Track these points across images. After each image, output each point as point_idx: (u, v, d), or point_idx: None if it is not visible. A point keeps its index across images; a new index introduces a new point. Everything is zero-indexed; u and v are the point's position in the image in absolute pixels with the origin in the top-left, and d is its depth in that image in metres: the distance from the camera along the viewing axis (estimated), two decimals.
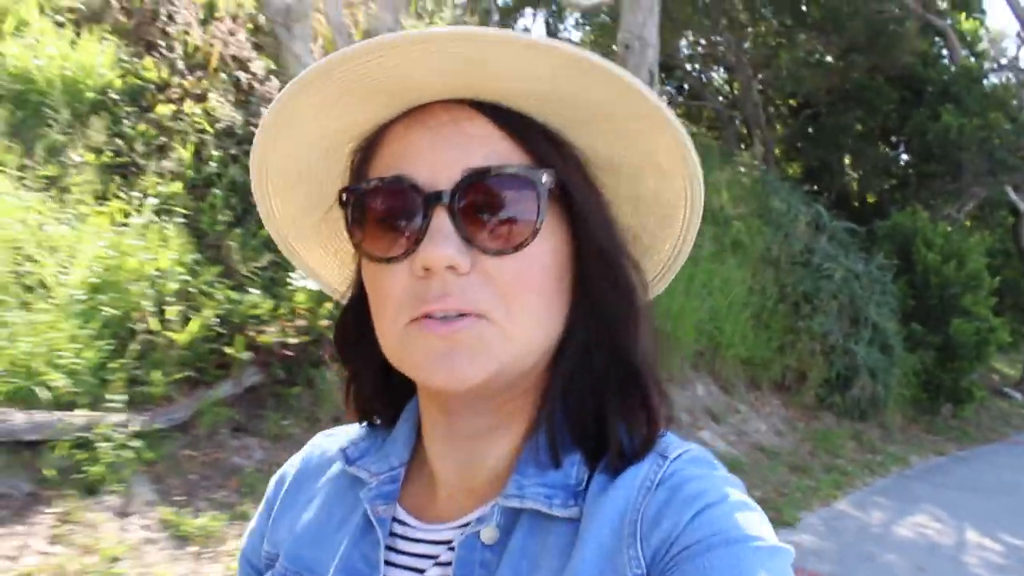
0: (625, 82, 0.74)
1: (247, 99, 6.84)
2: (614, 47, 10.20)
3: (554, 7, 14.13)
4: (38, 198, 5.07)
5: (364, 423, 0.98)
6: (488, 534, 0.79)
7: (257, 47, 7.56)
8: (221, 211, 5.63)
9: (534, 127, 0.80)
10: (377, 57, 0.74)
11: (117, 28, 6.82)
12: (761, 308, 10.84)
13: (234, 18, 7.79)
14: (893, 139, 18.12)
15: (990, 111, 15.99)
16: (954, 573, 6.52)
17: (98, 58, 6.19)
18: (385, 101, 0.80)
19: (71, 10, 6.70)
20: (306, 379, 5.39)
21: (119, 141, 5.86)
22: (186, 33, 7.04)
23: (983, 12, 19.39)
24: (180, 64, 6.79)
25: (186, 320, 4.89)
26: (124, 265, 4.85)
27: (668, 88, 17.53)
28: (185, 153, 5.91)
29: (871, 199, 18.11)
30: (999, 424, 15.44)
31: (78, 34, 6.32)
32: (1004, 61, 20.01)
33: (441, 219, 0.75)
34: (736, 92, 18.09)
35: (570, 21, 15.83)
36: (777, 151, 17.47)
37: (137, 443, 4.26)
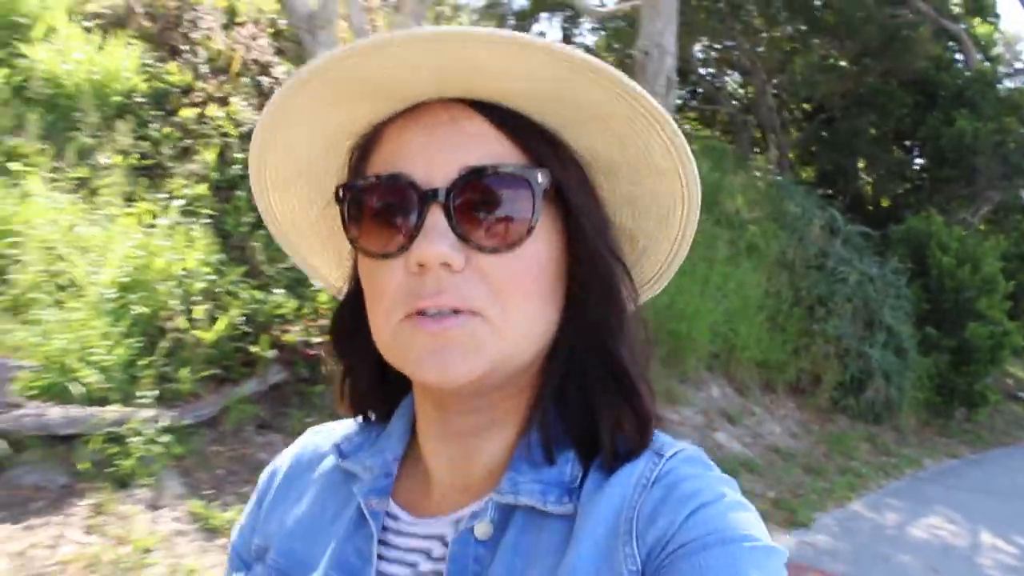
0: (619, 81, 0.75)
1: None
2: (630, 52, 10.28)
3: (570, 12, 14.20)
4: (69, 199, 5.18)
5: (358, 418, 0.99)
6: (482, 529, 0.79)
7: (279, 51, 7.68)
8: (245, 212, 5.73)
9: (532, 127, 0.81)
10: (370, 57, 0.74)
11: (142, 33, 6.95)
12: (776, 311, 10.86)
13: (255, 23, 7.91)
14: (907, 143, 18.13)
15: (1004, 115, 15.98)
16: (968, 574, 6.56)
17: (124, 62, 6.31)
18: (383, 100, 0.81)
19: (97, 16, 6.83)
20: (329, 377, 5.48)
21: (145, 144, 5.97)
22: (208, 38, 7.15)
23: (997, 16, 19.37)
24: (203, 68, 6.90)
25: (213, 319, 4.99)
26: (152, 265, 4.96)
27: (683, 93, 17.56)
28: (209, 156, 6.02)
29: (885, 203, 18.10)
30: (1013, 428, 15.41)
31: (105, 39, 6.44)
32: (1019, 65, 20.02)
33: (436, 216, 0.76)
34: (750, 96, 18.13)
35: (586, 26, 15.91)
36: (791, 155, 17.51)
37: (166, 438, 4.36)
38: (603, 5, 15.30)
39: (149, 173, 5.83)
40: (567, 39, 16.67)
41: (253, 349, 5.12)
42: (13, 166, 5.09)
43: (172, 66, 6.73)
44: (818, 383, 11.22)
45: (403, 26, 7.65)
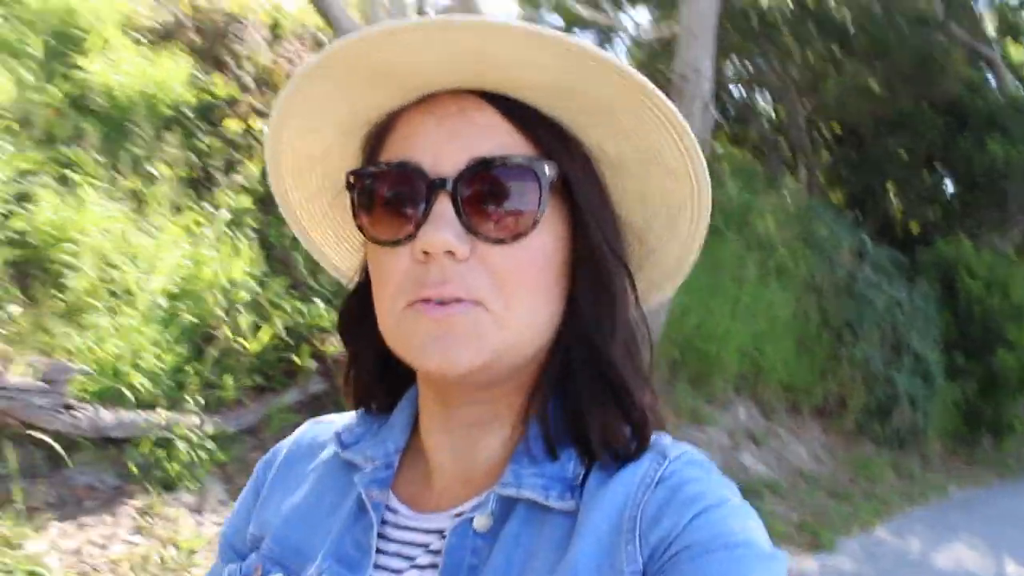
0: (629, 77, 0.76)
1: None
2: (662, 70, 10.37)
3: (604, 31, 14.35)
4: (121, 208, 5.34)
5: (360, 409, 0.98)
6: (481, 522, 0.79)
7: None
8: (288, 225, 5.86)
9: (542, 120, 0.81)
10: (383, 44, 0.76)
11: (190, 47, 7.12)
12: (804, 333, 10.90)
13: (299, 38, 8.10)
14: (938, 167, 18.08)
15: None
16: None
17: (173, 75, 6.48)
18: (397, 88, 0.81)
19: (148, 30, 7.01)
20: None
21: (192, 156, 6.14)
22: (254, 53, 7.33)
23: None
24: (249, 82, 7.07)
25: (256, 329, 5.13)
26: (200, 275, 5.11)
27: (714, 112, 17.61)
28: (254, 168, 6.18)
29: (915, 227, 18.05)
30: None
31: (155, 52, 6.61)
32: None
33: (443, 205, 0.76)
34: (781, 117, 18.17)
35: (620, 45, 16.05)
36: (821, 177, 17.51)
37: (211, 444, 4.50)
38: (638, 27, 15.47)
39: (196, 184, 5.99)
40: None
41: (294, 359, 5.26)
42: (70, 175, 5.25)
43: (219, 79, 6.90)
44: (844, 407, 11.23)
45: None
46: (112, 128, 5.90)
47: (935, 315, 13.01)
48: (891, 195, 18.17)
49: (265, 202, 6.07)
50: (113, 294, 4.80)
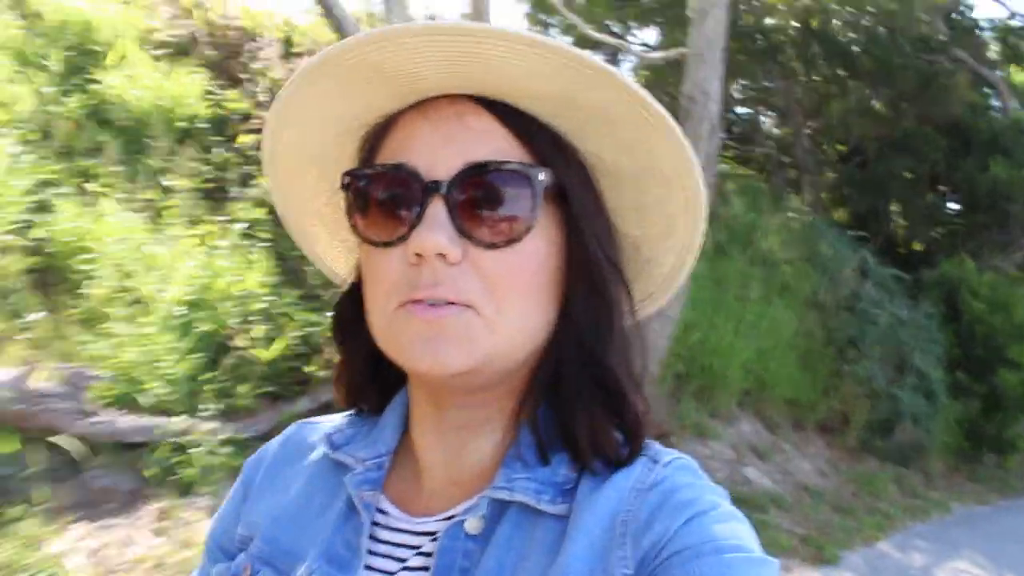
0: (626, 87, 0.76)
1: None
2: (670, 91, 10.49)
3: (611, 51, 14.48)
4: (137, 219, 5.44)
5: (351, 410, 0.99)
6: (473, 524, 0.79)
7: None
8: None
9: (539, 128, 0.81)
10: (383, 46, 0.76)
11: (205, 62, 7.25)
12: (807, 350, 10.96)
13: (311, 53, 8.22)
14: (941, 188, 18.17)
15: None
16: None
17: (188, 90, 6.60)
18: (394, 91, 0.81)
19: (164, 44, 7.14)
20: None
21: (207, 168, 6.24)
22: (267, 68, 7.45)
23: None
24: (262, 96, 7.19)
25: (270, 339, 5.22)
26: (215, 285, 5.21)
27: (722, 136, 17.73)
28: (267, 181, 6.26)
29: (918, 247, 18.13)
30: None
31: (171, 67, 6.73)
32: None
33: (437, 208, 0.76)
34: (786, 137, 18.29)
35: (626, 65, 16.18)
36: (824, 196, 17.61)
37: (227, 450, 4.58)
38: (646, 48, 15.60)
39: (211, 196, 6.10)
40: None
41: (306, 369, 5.34)
42: (89, 186, 5.36)
43: (233, 94, 7.02)
44: (847, 423, 11.27)
45: None
46: (129, 140, 6.02)
47: (938, 334, 13.05)
48: (894, 215, 18.25)
49: (278, 214, 6.17)
50: (130, 303, 4.90)
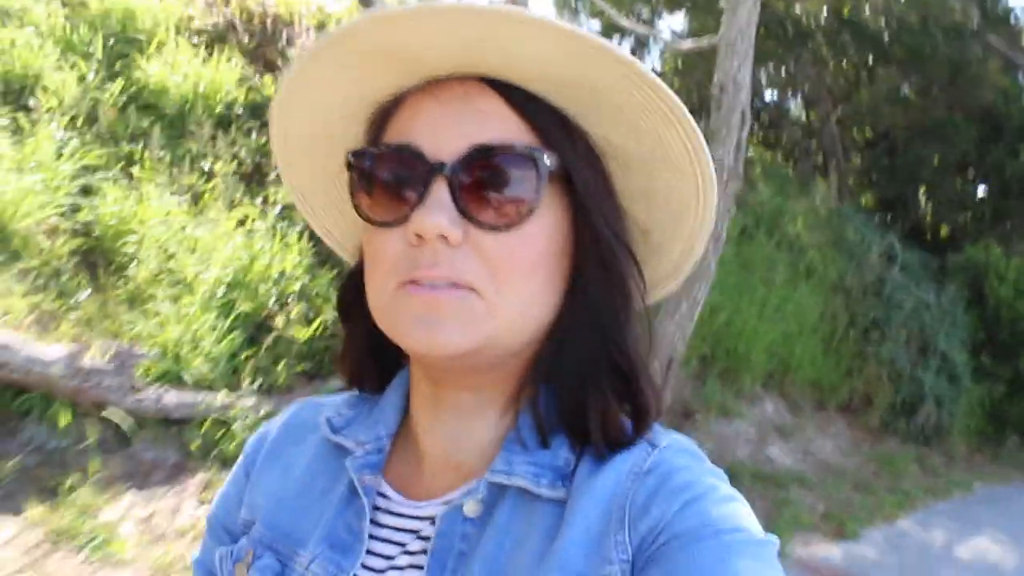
0: (636, 70, 0.75)
1: None
2: (700, 80, 10.48)
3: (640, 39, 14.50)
4: (178, 203, 5.64)
5: (350, 391, 0.99)
6: (471, 508, 0.79)
7: None
8: None
9: (547, 110, 0.80)
10: (391, 26, 0.75)
11: (241, 48, 7.42)
12: (831, 333, 11.01)
13: None
14: (970, 174, 18.09)
15: None
16: None
17: (225, 76, 6.77)
18: (403, 71, 0.81)
19: (202, 32, 7.31)
20: None
21: (244, 153, 6.42)
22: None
23: None
24: None
25: (306, 319, 5.41)
26: (253, 266, 5.40)
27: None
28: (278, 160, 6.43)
29: (944, 232, 18.07)
30: None
31: (210, 54, 6.91)
32: None
33: (440, 189, 0.75)
34: (813, 122, 18.24)
35: (654, 52, 16.16)
36: (851, 181, 17.57)
37: None
38: (674, 36, 15.60)
39: (249, 180, 6.28)
40: None
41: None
42: (133, 171, 5.56)
43: (268, 80, 7.19)
44: (870, 404, 11.33)
45: None
46: (170, 126, 6.20)
47: (963, 318, 13.06)
48: (922, 200, 18.18)
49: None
50: (173, 283, 5.09)
